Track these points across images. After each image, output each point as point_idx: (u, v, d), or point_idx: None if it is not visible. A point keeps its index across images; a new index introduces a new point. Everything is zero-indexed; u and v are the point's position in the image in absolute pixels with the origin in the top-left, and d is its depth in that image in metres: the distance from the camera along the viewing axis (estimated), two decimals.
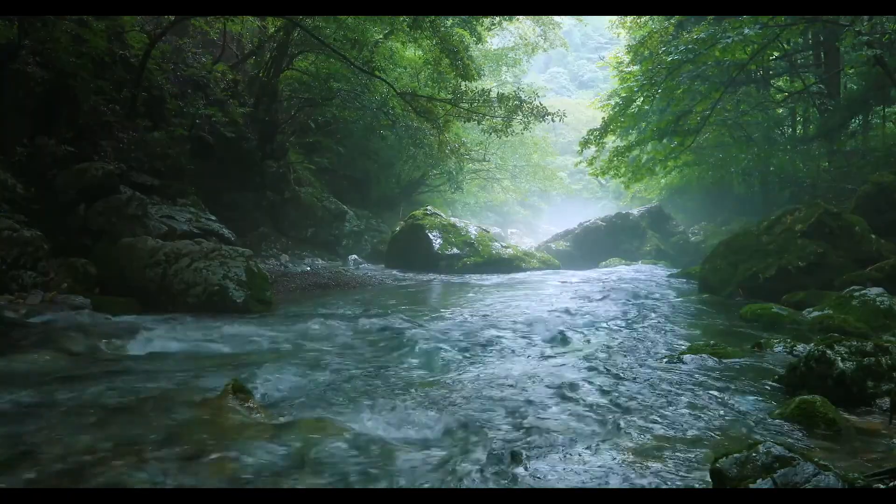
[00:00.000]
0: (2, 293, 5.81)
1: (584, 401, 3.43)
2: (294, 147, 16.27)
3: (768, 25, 10.73)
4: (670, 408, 3.32)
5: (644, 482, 2.40)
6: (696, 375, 3.96)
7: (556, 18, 25.30)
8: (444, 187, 22.44)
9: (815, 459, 2.08)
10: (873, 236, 8.19)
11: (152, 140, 9.54)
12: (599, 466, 2.55)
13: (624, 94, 15.24)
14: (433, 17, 11.41)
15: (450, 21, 12.84)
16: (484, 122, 14.03)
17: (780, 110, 17.29)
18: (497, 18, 15.81)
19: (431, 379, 4.04)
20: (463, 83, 13.65)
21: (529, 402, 3.39)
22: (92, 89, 8.60)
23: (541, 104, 13.92)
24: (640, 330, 5.95)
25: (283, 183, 14.35)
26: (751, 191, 17.13)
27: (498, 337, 5.44)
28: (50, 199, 7.35)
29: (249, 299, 6.80)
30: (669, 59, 11.97)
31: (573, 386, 3.70)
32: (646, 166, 16.13)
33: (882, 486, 2.06)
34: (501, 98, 13.59)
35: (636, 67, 16.46)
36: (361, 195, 19.26)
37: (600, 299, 8.30)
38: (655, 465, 2.54)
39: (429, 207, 17.04)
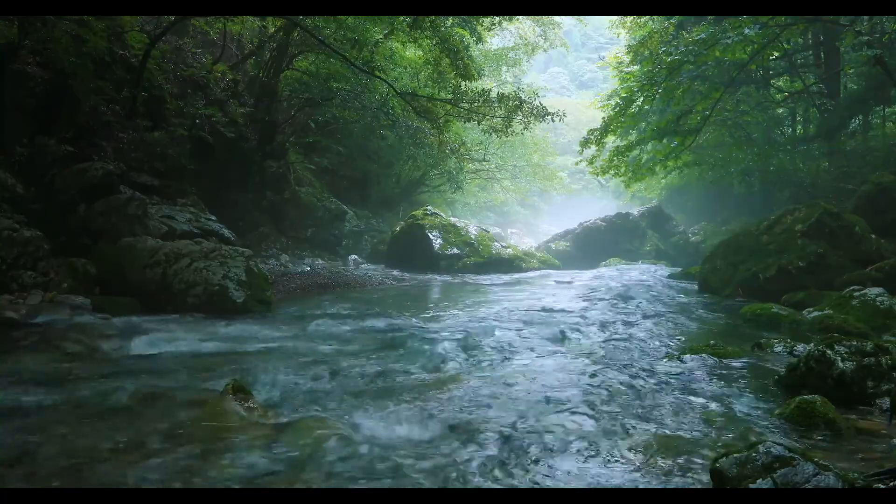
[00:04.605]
0: (2, 293, 5.81)
1: (583, 400, 3.43)
2: (294, 147, 16.26)
3: (768, 25, 10.73)
4: (670, 408, 3.32)
5: (644, 482, 2.40)
6: (696, 375, 3.96)
7: (556, 18, 25.27)
8: (444, 187, 22.41)
9: (815, 459, 2.08)
10: (873, 236, 8.19)
11: (152, 140, 9.54)
12: (599, 466, 2.55)
13: (624, 94, 15.21)
14: (433, 17, 11.40)
15: (450, 21, 12.82)
16: (484, 122, 13.99)
17: (780, 110, 17.30)
18: (497, 18, 15.76)
19: (432, 379, 4.04)
20: (463, 83, 13.62)
21: (529, 402, 3.39)
22: (92, 89, 8.59)
23: (541, 104, 13.88)
24: (640, 330, 5.95)
25: (283, 183, 14.34)
26: (751, 191, 17.12)
27: (498, 337, 5.44)
28: (50, 199, 7.35)
29: (249, 299, 6.79)
30: (669, 59, 11.97)
31: (573, 386, 3.71)
32: (646, 166, 16.12)
33: (882, 486, 2.06)
34: (501, 98, 13.56)
35: (636, 67, 16.46)
36: (361, 195, 19.23)
37: (600, 299, 8.29)
38: (655, 465, 2.54)
39: (429, 207, 17.03)
